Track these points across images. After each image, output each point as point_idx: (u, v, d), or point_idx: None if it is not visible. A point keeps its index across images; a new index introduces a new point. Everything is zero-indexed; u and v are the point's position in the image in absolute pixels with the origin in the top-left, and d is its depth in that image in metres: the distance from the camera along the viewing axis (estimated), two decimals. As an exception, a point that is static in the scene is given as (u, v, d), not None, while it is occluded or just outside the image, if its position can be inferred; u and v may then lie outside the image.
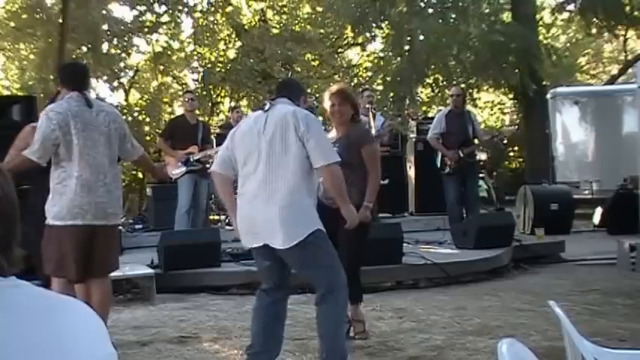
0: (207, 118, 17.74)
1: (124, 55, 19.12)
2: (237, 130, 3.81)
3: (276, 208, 3.48)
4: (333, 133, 4.57)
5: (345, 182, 3.76)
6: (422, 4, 15.85)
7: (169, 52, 19.69)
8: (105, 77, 19.35)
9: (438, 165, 8.11)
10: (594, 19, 14.69)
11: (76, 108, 3.98)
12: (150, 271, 6.11)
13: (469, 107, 9.80)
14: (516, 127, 15.32)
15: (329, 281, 3.59)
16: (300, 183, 3.52)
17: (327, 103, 4.51)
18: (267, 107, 3.69)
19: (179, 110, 16.47)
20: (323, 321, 3.63)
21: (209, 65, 19.46)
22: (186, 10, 18.69)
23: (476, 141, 8.25)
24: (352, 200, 3.93)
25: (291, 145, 3.51)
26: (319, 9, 19.34)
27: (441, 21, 14.85)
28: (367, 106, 7.90)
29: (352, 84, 18.42)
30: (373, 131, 7.82)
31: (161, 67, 20.11)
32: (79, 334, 1.05)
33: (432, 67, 15.32)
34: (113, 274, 4.34)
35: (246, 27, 19.81)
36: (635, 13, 14.35)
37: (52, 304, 1.08)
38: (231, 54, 19.82)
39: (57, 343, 1.01)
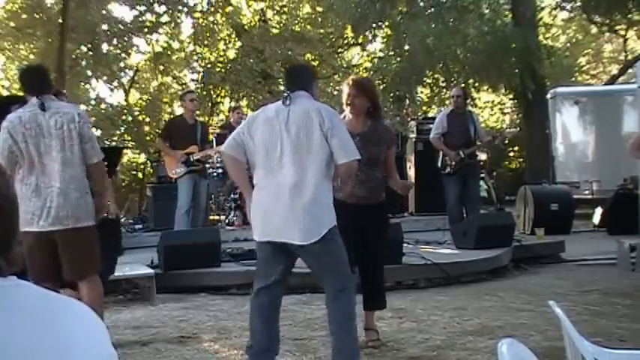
0: (207, 118, 17.76)
1: (123, 55, 19.11)
2: (256, 120, 3.76)
3: (301, 203, 3.51)
4: (353, 124, 4.42)
5: (368, 179, 4.16)
6: (422, 4, 15.85)
7: (169, 52, 19.68)
8: (105, 77, 19.35)
9: (439, 165, 8.11)
10: (596, 17, 14.69)
11: (29, 114, 3.93)
12: (150, 271, 6.11)
13: (470, 107, 9.78)
14: (518, 128, 15.31)
15: (343, 278, 3.63)
16: (323, 179, 3.59)
17: (344, 94, 4.44)
18: (287, 102, 3.67)
19: (179, 110, 16.47)
20: (337, 318, 3.64)
21: (209, 65, 19.45)
22: (186, 10, 18.69)
23: (478, 142, 8.24)
24: (374, 197, 4.07)
25: (315, 142, 3.55)
26: (319, 9, 19.32)
27: (440, 21, 14.84)
28: None
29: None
30: None
31: (161, 67, 20.11)
32: (79, 334, 1.05)
33: (432, 67, 15.32)
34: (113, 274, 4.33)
35: (246, 27, 19.80)
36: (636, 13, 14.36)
37: (52, 304, 1.08)
38: (231, 54, 19.81)
39: (57, 343, 1.01)
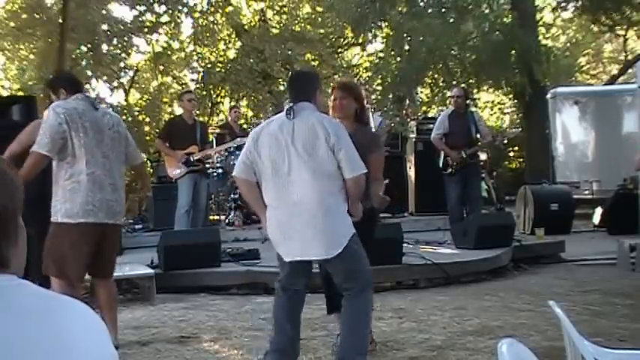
0: (207, 118, 17.76)
1: (123, 55, 19.11)
2: (260, 135, 3.71)
3: (317, 220, 3.55)
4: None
5: None
6: (422, 4, 15.85)
7: (169, 52, 19.68)
8: (105, 77, 19.35)
9: (440, 165, 8.11)
10: (598, 16, 14.69)
11: (83, 107, 4.06)
12: (150, 271, 6.11)
13: (471, 107, 9.77)
14: (520, 128, 15.33)
15: (364, 281, 3.69)
16: (334, 191, 3.61)
17: (331, 97, 4.36)
18: (291, 115, 3.64)
19: (179, 110, 16.46)
20: (353, 314, 3.68)
21: (209, 65, 19.45)
22: (186, 10, 18.69)
23: (479, 143, 8.23)
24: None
25: (322, 156, 3.56)
26: (319, 9, 19.32)
27: (440, 21, 14.84)
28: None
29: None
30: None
31: (161, 67, 20.12)
32: (79, 334, 1.05)
33: (432, 67, 15.32)
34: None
35: (246, 27, 19.81)
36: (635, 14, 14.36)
37: (52, 304, 1.07)
38: (231, 54, 19.81)
39: (57, 343, 1.01)
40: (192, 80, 20.24)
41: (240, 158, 3.81)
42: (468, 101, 8.59)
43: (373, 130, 7.71)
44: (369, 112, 7.13)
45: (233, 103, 16.35)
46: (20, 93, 17.01)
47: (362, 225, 3.83)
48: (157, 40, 19.64)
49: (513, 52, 14.02)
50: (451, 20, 14.74)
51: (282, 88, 18.08)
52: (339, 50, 20.94)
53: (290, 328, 3.80)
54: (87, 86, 19.84)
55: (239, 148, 8.99)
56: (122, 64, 19.60)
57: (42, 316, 1.03)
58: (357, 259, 3.68)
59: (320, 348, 4.35)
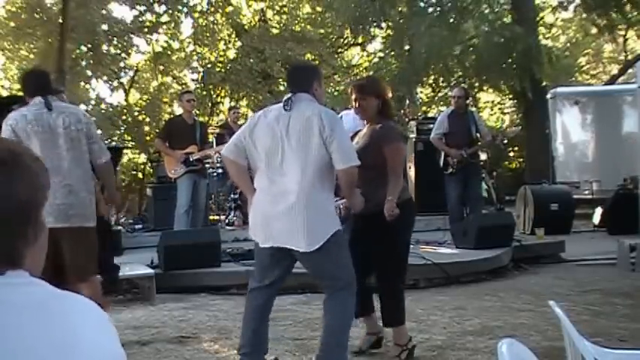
0: (207, 118, 17.77)
1: (123, 55, 19.12)
2: (257, 124, 3.69)
3: (301, 211, 3.49)
4: (364, 130, 4.32)
5: (371, 184, 3.88)
6: (422, 4, 15.86)
7: (169, 52, 19.70)
8: (105, 77, 19.36)
9: (441, 165, 8.11)
10: (598, 16, 14.69)
11: (35, 112, 3.97)
12: (150, 271, 6.11)
13: (471, 107, 9.78)
14: (521, 127, 15.32)
15: (345, 280, 3.62)
16: (323, 185, 3.56)
17: (351, 97, 4.30)
18: (288, 106, 3.62)
19: (179, 110, 16.46)
20: (331, 315, 3.63)
21: (209, 65, 19.46)
22: (186, 10, 18.70)
23: (479, 143, 8.23)
24: (382, 206, 3.90)
25: (315, 148, 3.51)
26: (319, 9, 19.35)
27: (440, 21, 14.84)
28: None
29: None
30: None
31: (161, 67, 20.12)
32: (84, 332, 1.02)
33: (432, 67, 15.32)
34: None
35: (246, 27, 19.82)
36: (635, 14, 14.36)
37: (58, 301, 1.05)
38: (231, 54, 19.82)
39: (58, 342, 0.99)
40: (193, 80, 20.26)
41: (232, 139, 3.78)
42: (467, 101, 8.59)
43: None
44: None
45: (233, 104, 16.37)
46: (20, 93, 16.99)
47: (386, 223, 3.89)
48: (156, 40, 19.68)
49: (514, 52, 14.02)
50: (451, 20, 14.74)
51: (282, 88, 18.07)
52: (339, 50, 20.95)
53: (256, 338, 3.72)
54: (87, 86, 19.88)
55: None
56: (122, 64, 19.62)
57: (42, 314, 1.01)
58: (337, 258, 3.59)
59: (320, 348, 4.34)
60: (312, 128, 3.51)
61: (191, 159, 7.77)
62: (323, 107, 3.69)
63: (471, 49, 14.57)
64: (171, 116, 13.19)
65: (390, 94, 4.41)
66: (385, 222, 3.92)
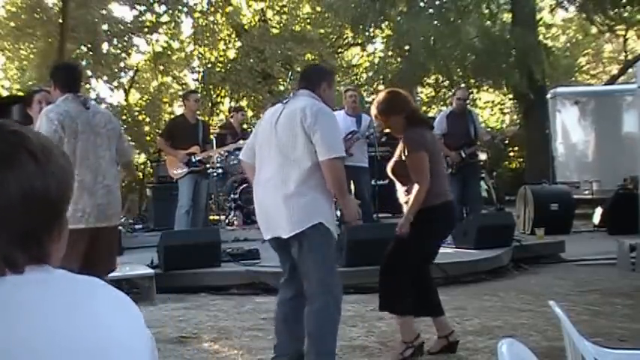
0: (207, 118, 17.75)
1: (124, 55, 19.12)
2: (261, 120, 3.93)
3: (282, 196, 3.55)
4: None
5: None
6: (422, 4, 15.86)
7: (169, 52, 19.69)
8: (105, 77, 19.35)
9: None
10: (598, 16, 14.69)
11: (76, 110, 3.96)
12: (150, 271, 6.11)
13: (470, 107, 9.78)
14: (519, 126, 15.33)
15: (323, 280, 3.55)
16: (308, 175, 3.54)
17: None
18: (285, 100, 3.77)
19: (179, 110, 16.44)
20: (309, 319, 3.57)
21: (209, 65, 19.46)
22: (186, 10, 18.69)
23: (478, 142, 8.24)
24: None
25: (299, 139, 3.54)
26: (319, 9, 19.34)
27: (440, 21, 14.84)
28: (353, 105, 7.93)
29: (352, 84, 18.42)
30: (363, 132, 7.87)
31: (161, 67, 20.12)
32: (118, 329, 1.03)
33: (432, 67, 15.33)
34: (113, 274, 4.33)
35: (246, 27, 19.81)
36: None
37: (86, 290, 1.05)
38: (231, 54, 19.82)
39: (94, 341, 0.99)
40: (193, 80, 20.26)
41: (247, 142, 3.99)
42: (467, 101, 8.61)
43: (370, 130, 7.77)
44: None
45: (235, 104, 16.36)
46: (20, 93, 17.01)
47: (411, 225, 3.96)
48: (156, 40, 19.66)
49: (513, 51, 14.02)
50: (451, 20, 14.74)
51: (282, 88, 18.09)
52: (339, 50, 20.94)
53: (283, 331, 3.76)
54: (87, 86, 19.87)
55: (239, 148, 9.02)
56: (122, 64, 19.61)
57: (75, 310, 1.00)
58: (317, 254, 3.53)
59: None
60: (295, 119, 3.57)
61: (193, 159, 7.78)
62: (315, 102, 3.65)
63: (471, 48, 14.56)
64: (174, 116, 13.19)
65: (411, 100, 4.41)
66: (416, 223, 4.00)
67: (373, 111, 4.34)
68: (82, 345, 0.98)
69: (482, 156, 9.08)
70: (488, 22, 14.79)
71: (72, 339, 0.97)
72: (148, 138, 18.77)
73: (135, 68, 20.41)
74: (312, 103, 3.62)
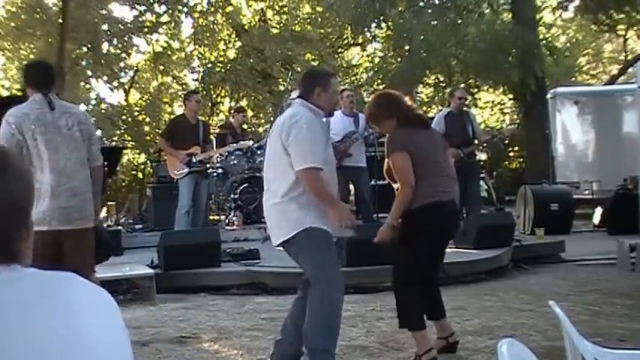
0: (207, 118, 17.76)
1: (124, 55, 19.12)
2: None
3: (271, 205, 3.75)
4: None
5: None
6: (422, 4, 15.87)
7: (169, 52, 19.70)
8: (105, 77, 19.36)
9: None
10: (598, 16, 14.70)
11: (37, 111, 3.85)
12: (150, 271, 6.11)
13: (466, 107, 9.78)
14: (516, 125, 15.33)
15: (317, 279, 3.66)
16: (294, 186, 3.63)
17: None
18: (279, 113, 3.90)
19: (179, 110, 16.46)
20: (306, 316, 3.69)
21: (209, 65, 19.46)
22: (186, 10, 18.70)
23: (475, 141, 8.25)
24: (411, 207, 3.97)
25: (280, 155, 3.66)
26: (319, 9, 19.34)
27: (440, 21, 14.85)
28: (350, 105, 7.93)
29: (352, 84, 18.42)
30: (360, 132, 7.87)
31: (161, 67, 20.13)
32: (88, 325, 1.03)
33: (433, 66, 15.33)
34: (113, 274, 4.32)
35: (246, 27, 19.82)
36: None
37: (57, 285, 1.06)
38: (231, 54, 19.82)
39: (64, 336, 1.00)
40: (193, 80, 20.27)
41: None
42: (466, 101, 8.62)
43: (360, 130, 7.79)
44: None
45: (239, 105, 16.36)
46: (20, 93, 17.01)
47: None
48: (156, 40, 19.68)
49: (513, 51, 14.02)
50: (451, 20, 14.75)
51: (282, 88, 18.08)
52: (339, 50, 20.94)
53: (288, 331, 3.88)
54: (87, 86, 19.89)
55: (239, 149, 9.02)
56: (122, 64, 19.62)
57: (47, 305, 1.02)
58: (307, 256, 3.69)
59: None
60: (276, 134, 3.72)
61: (194, 160, 7.78)
62: (298, 113, 3.71)
63: (471, 48, 14.56)
64: (174, 116, 13.20)
65: (404, 101, 4.33)
66: (402, 226, 3.99)
67: (365, 116, 4.38)
68: (52, 344, 0.98)
69: (483, 156, 9.08)
70: (489, 22, 14.79)
71: (42, 338, 0.98)
72: (148, 138, 18.79)
73: (135, 68, 20.43)
74: (292, 115, 3.70)
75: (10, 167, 1.08)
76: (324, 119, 3.92)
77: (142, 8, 18.26)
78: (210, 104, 19.70)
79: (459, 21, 14.72)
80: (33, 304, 1.01)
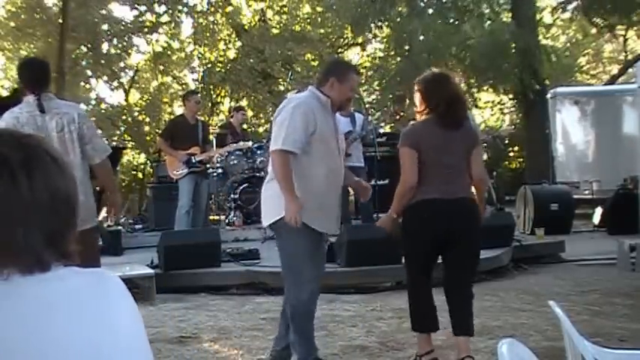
0: (207, 118, 17.77)
1: (124, 55, 19.13)
2: None
3: (263, 190, 3.84)
4: None
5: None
6: (422, 4, 15.86)
7: (169, 52, 19.70)
8: (105, 77, 19.36)
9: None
10: (597, 18, 14.69)
11: (27, 114, 3.79)
12: (150, 271, 6.11)
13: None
14: (514, 127, 15.32)
15: (287, 279, 3.77)
16: (271, 170, 3.72)
17: None
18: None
19: (179, 110, 16.45)
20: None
21: (209, 65, 19.46)
22: (186, 10, 18.70)
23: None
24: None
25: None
26: (319, 9, 19.34)
27: (440, 21, 14.85)
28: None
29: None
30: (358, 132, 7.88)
31: (161, 67, 20.13)
32: (121, 324, 1.07)
33: (433, 66, 15.32)
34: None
35: (246, 27, 19.81)
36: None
37: (90, 293, 1.08)
38: (231, 54, 19.82)
39: (97, 337, 1.02)
40: (193, 80, 20.27)
41: None
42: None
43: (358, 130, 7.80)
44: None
45: (239, 104, 16.35)
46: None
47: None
48: (156, 40, 19.67)
49: (513, 51, 14.02)
50: (451, 20, 14.74)
51: (282, 88, 18.08)
52: (339, 50, 20.92)
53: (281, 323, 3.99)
54: (87, 86, 19.89)
55: (239, 148, 9.02)
56: (122, 64, 19.62)
57: (80, 306, 1.04)
58: (279, 248, 3.82)
59: (319, 348, 4.34)
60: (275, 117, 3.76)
61: (194, 160, 7.78)
62: (296, 98, 3.79)
63: (471, 48, 14.56)
64: (174, 116, 13.21)
65: (449, 93, 3.92)
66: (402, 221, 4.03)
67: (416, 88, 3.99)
68: (89, 343, 1.02)
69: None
70: (489, 22, 14.79)
71: (80, 336, 1.01)
72: (148, 138, 18.78)
73: (135, 68, 20.43)
74: (290, 100, 3.78)
75: (65, 163, 1.09)
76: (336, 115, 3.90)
77: (142, 8, 18.26)
78: (210, 104, 19.69)
79: (458, 22, 14.72)
80: (80, 301, 1.04)
